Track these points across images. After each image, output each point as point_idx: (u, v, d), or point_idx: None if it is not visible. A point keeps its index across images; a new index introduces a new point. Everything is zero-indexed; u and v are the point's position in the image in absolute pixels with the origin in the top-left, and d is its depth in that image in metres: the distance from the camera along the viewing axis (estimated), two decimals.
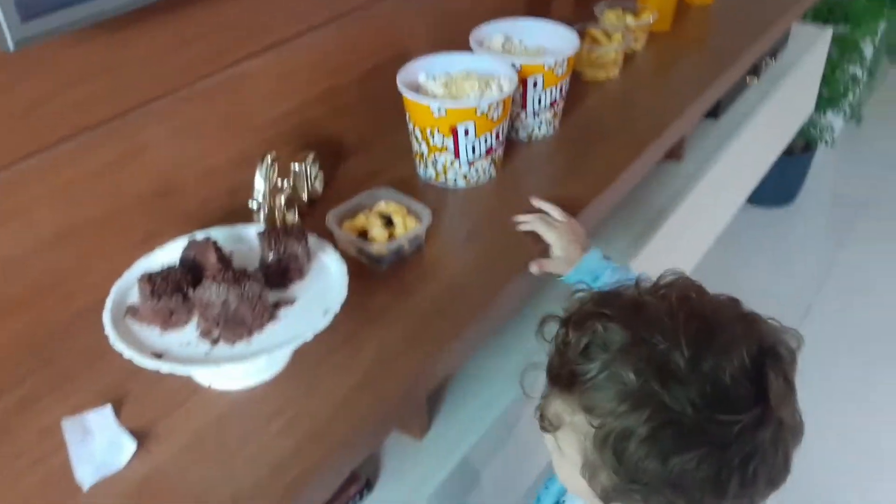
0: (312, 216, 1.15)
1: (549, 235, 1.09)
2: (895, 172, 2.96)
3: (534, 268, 1.08)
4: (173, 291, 0.86)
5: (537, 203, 1.15)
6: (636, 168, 1.32)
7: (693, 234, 1.71)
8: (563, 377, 0.69)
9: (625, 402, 0.63)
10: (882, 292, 2.42)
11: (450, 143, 1.17)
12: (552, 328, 0.73)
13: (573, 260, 1.06)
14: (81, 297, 0.98)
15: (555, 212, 1.13)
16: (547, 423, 0.71)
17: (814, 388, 2.03)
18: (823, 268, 2.55)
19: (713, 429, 0.62)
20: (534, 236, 1.12)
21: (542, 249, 1.11)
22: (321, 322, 0.87)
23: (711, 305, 0.69)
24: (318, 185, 1.19)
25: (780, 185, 2.82)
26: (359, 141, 1.32)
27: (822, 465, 1.66)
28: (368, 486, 1.02)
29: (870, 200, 2.85)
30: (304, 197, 1.16)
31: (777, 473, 0.65)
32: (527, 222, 1.12)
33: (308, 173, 1.16)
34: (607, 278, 1.02)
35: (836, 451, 1.89)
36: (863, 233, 2.70)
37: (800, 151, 2.75)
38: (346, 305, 0.92)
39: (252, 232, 0.99)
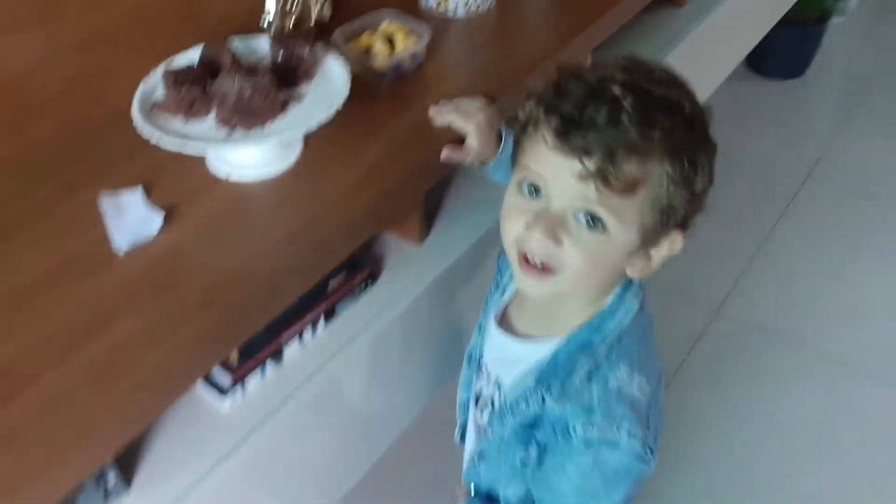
0: (322, 40, 1.23)
1: (465, 126, 1.02)
2: None
3: (443, 155, 1.02)
4: (193, 82, 0.96)
5: (444, 102, 1.08)
6: (629, 3, 1.38)
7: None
8: (630, 136, 0.71)
9: (681, 124, 0.73)
10: (885, 168, 2.47)
11: None
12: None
13: (489, 152, 1.03)
14: (111, 100, 1.08)
15: (467, 102, 1.06)
16: (627, 187, 0.71)
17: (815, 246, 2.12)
18: (828, 140, 2.59)
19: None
20: (532, 58, 1.19)
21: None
22: (325, 115, 0.97)
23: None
24: (326, 11, 1.26)
25: (791, 58, 2.84)
26: None
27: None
28: (373, 277, 1.14)
29: (880, 77, 2.87)
30: (312, 20, 1.23)
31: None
32: (441, 112, 1.05)
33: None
34: None
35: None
36: (871, 108, 2.73)
37: (813, 23, 2.76)
38: (352, 114, 1.01)
39: (263, 43, 1.08)
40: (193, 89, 0.95)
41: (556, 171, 0.73)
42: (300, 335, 1.05)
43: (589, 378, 0.79)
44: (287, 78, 1.02)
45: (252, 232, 0.95)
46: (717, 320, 2.00)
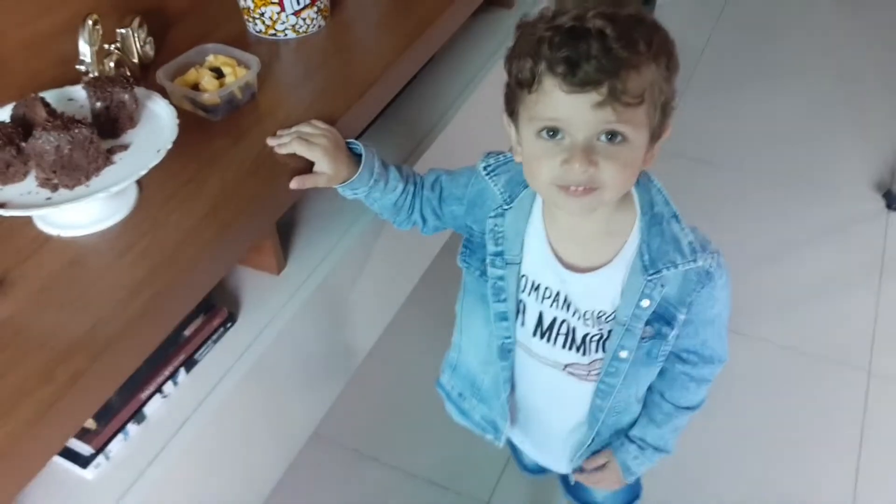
0: (147, 80, 1.18)
1: (311, 154, 1.03)
2: (734, 22, 3.14)
3: (294, 184, 1.03)
4: (6, 144, 0.90)
5: (283, 132, 1.08)
6: (460, 9, 1.40)
7: None
8: (631, 54, 0.78)
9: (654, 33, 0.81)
10: (716, 134, 2.61)
11: None
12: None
13: (343, 174, 1.03)
14: None
15: (307, 127, 1.06)
16: (637, 99, 0.79)
17: None
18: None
19: None
20: (370, 72, 1.19)
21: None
22: (155, 159, 0.93)
23: None
24: (149, 49, 1.21)
25: None
26: (187, 5, 1.34)
27: None
28: (232, 318, 1.11)
29: (711, 51, 3.04)
30: (136, 61, 1.18)
31: None
32: (283, 143, 1.05)
33: (136, 37, 1.18)
34: (396, 180, 1.04)
35: None
36: (702, 77, 2.89)
37: (641, 3, 2.88)
38: (186, 152, 0.98)
39: (80, 90, 1.02)
40: (6, 151, 0.90)
41: (574, 109, 0.80)
42: (160, 390, 1.00)
43: (684, 230, 0.91)
44: (110, 127, 0.97)
45: (92, 291, 0.90)
46: None
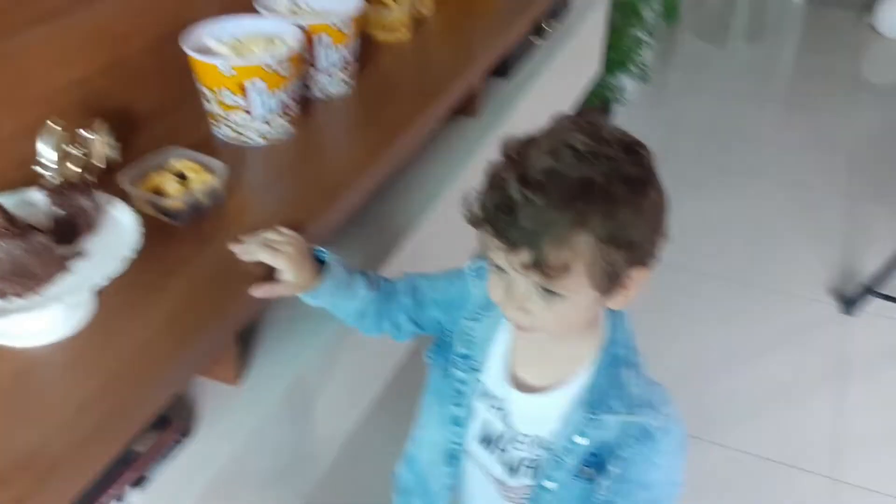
0: (111, 183, 1.16)
1: (276, 262, 0.99)
2: (686, 130, 3.26)
3: (257, 293, 1.00)
4: None
5: (247, 238, 1.03)
6: (427, 118, 1.41)
7: None
8: (543, 226, 0.75)
9: (599, 199, 0.76)
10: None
11: (241, 100, 1.21)
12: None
13: (308, 282, 1.00)
14: None
15: (273, 234, 1.03)
16: (559, 272, 0.77)
17: None
18: None
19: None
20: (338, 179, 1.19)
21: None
22: (116, 268, 0.90)
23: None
24: (112, 152, 1.19)
25: None
26: (153, 109, 1.33)
27: None
28: (185, 433, 1.05)
29: (665, 157, 3.13)
30: (99, 164, 1.16)
31: None
32: (247, 250, 1.02)
33: (99, 140, 1.16)
34: (363, 287, 1.02)
35: None
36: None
37: (598, 112, 2.98)
38: (149, 258, 0.95)
39: (39, 194, 0.99)
40: None
41: (508, 263, 0.80)
42: None
43: (637, 381, 0.89)
44: (67, 233, 0.94)
45: (39, 406, 0.85)
46: None
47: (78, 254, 0.93)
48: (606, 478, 0.89)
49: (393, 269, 1.38)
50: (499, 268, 0.82)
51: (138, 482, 0.98)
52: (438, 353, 0.99)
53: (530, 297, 0.81)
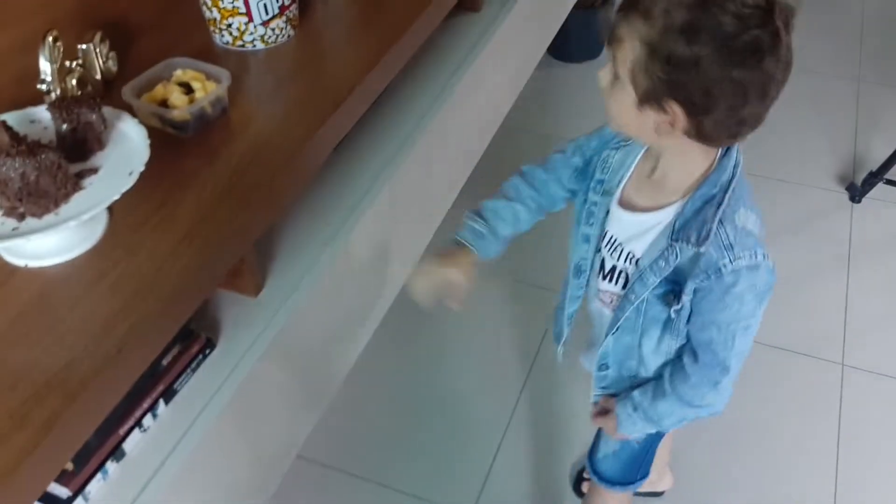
0: (111, 96, 1.13)
1: (448, 276, 1.13)
2: None
3: (457, 307, 1.13)
4: None
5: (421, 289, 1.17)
6: (431, 14, 1.36)
7: (496, 87, 1.79)
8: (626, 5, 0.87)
9: (675, 7, 0.83)
10: None
11: (240, 4, 1.17)
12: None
13: (472, 265, 1.14)
14: None
15: (441, 272, 1.15)
16: (616, 42, 0.88)
17: None
18: None
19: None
20: (344, 81, 1.16)
21: None
22: (127, 183, 0.88)
23: None
24: (112, 65, 1.16)
25: (585, 41, 2.96)
26: (150, 17, 1.29)
27: None
28: (210, 344, 1.06)
29: None
30: (98, 77, 1.13)
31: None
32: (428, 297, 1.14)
33: (98, 52, 1.13)
34: (515, 206, 1.18)
35: None
36: None
37: (600, 4, 2.88)
38: (157, 173, 0.93)
39: (44, 111, 0.97)
40: None
41: (607, 45, 0.92)
42: (139, 424, 0.96)
43: (721, 222, 0.94)
44: (77, 149, 0.92)
45: (64, 326, 0.85)
46: None
47: (90, 170, 0.91)
48: (679, 304, 0.98)
49: (407, 169, 1.35)
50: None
51: (167, 395, 0.99)
52: (581, 180, 1.13)
53: (607, 77, 0.92)
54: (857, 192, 2.37)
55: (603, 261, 1.10)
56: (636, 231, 1.03)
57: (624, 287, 1.07)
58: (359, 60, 1.23)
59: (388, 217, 1.35)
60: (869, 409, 1.85)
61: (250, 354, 1.06)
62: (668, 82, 0.85)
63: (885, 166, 2.31)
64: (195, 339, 1.04)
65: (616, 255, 1.07)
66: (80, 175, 0.90)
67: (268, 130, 1.10)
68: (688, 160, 0.97)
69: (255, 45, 1.23)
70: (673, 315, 1.01)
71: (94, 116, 0.92)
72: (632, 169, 1.05)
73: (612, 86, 0.91)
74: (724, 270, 0.94)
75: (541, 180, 1.18)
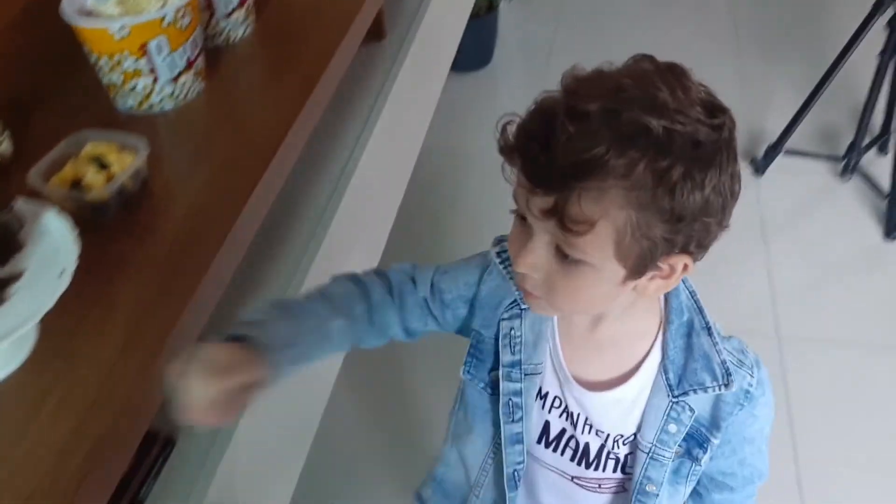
0: (11, 182, 1.01)
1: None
2: (571, 22, 3.20)
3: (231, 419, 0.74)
4: None
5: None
6: (345, 48, 1.29)
7: (413, 109, 1.74)
8: (579, 167, 0.62)
9: (651, 151, 0.61)
10: None
11: (143, 64, 1.06)
12: None
13: (264, 372, 0.75)
14: None
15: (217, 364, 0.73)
16: (581, 227, 0.63)
17: None
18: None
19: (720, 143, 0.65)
20: (264, 131, 1.08)
21: None
22: (59, 285, 0.78)
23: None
24: (7, 146, 1.03)
25: (476, 49, 2.95)
26: (39, 92, 1.16)
27: None
28: (170, 443, 0.96)
29: (556, 44, 3.08)
30: None
31: None
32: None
33: None
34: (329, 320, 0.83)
35: None
36: (557, 73, 2.91)
37: (485, 13, 2.87)
38: (83, 264, 0.83)
39: None
40: None
41: (530, 206, 0.66)
42: None
43: (715, 347, 0.79)
44: None
45: (12, 460, 0.74)
46: None
47: (13, 277, 0.80)
48: (706, 451, 0.82)
49: (340, 215, 1.28)
50: (520, 215, 0.69)
51: None
52: (478, 366, 0.85)
53: (544, 254, 0.68)
54: (759, 166, 2.45)
55: (571, 438, 0.86)
56: (613, 411, 0.82)
57: (616, 469, 0.86)
58: (281, 105, 1.15)
59: (333, 268, 1.28)
60: (814, 377, 1.89)
61: (217, 445, 0.97)
62: (671, 237, 0.66)
63: (782, 138, 2.39)
64: (153, 441, 0.93)
65: (587, 439, 0.85)
66: (4, 284, 0.79)
67: (194, 200, 1.00)
68: (646, 301, 0.77)
69: (163, 107, 1.13)
70: (698, 465, 0.84)
71: (7, 217, 0.81)
72: (556, 335, 0.82)
73: (567, 275, 0.68)
74: (752, 391, 0.80)
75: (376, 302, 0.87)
